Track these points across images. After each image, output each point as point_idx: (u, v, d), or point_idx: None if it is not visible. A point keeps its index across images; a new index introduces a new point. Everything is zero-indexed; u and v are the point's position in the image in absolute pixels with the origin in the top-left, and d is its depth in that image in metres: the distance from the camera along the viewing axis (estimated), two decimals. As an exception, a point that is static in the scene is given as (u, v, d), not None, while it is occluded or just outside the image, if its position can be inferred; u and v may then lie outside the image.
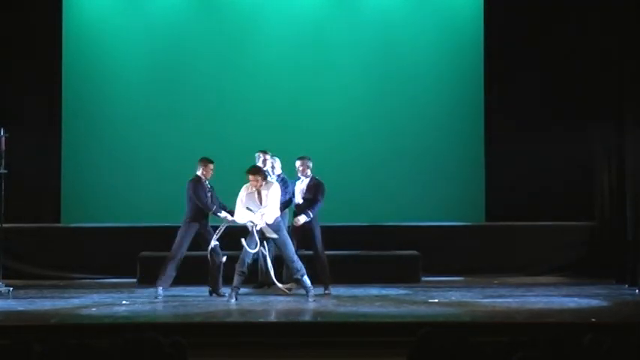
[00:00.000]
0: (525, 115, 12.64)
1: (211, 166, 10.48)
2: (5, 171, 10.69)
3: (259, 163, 10.58)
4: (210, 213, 10.34)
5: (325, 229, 11.08)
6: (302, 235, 10.58)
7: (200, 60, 12.84)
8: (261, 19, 12.91)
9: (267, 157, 10.80)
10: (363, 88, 12.87)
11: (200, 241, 10.38)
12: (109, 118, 12.74)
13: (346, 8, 13.04)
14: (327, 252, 10.80)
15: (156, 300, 10.02)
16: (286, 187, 10.67)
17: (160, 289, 10.18)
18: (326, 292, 10.44)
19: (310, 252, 10.67)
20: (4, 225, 10.81)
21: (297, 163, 10.71)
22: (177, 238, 10.29)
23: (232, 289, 9.93)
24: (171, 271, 10.24)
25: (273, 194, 9.96)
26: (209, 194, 10.37)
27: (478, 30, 12.79)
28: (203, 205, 10.27)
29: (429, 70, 12.86)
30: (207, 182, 10.42)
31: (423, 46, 12.87)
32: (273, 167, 10.78)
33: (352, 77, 12.86)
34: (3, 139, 10.65)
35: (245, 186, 10.02)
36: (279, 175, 10.79)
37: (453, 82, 12.84)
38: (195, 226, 10.31)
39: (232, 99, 12.78)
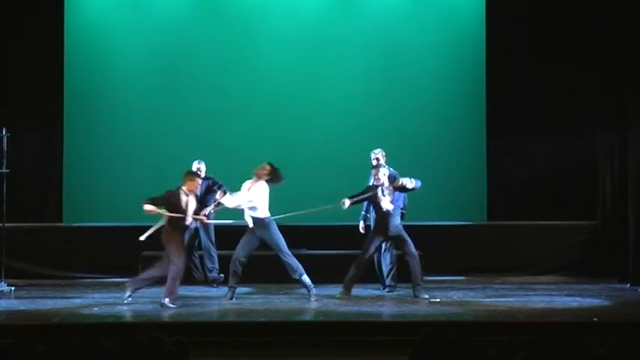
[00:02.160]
0: (527, 114, 12.63)
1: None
2: (7, 170, 10.69)
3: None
4: None
5: (328, 229, 11.07)
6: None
7: (202, 61, 12.83)
8: (264, 18, 12.90)
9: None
10: (366, 87, 12.87)
11: None
12: (111, 118, 12.74)
13: (349, 9, 13.03)
14: (329, 251, 10.78)
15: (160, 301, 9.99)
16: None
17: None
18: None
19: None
20: (5, 224, 10.82)
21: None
22: None
23: (229, 289, 9.92)
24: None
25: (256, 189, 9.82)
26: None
27: (480, 29, 12.78)
28: None
29: (431, 69, 12.86)
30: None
31: (426, 46, 12.87)
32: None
33: (355, 77, 12.85)
34: (5, 138, 10.66)
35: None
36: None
37: (455, 82, 12.83)
38: None
39: (234, 99, 12.76)
